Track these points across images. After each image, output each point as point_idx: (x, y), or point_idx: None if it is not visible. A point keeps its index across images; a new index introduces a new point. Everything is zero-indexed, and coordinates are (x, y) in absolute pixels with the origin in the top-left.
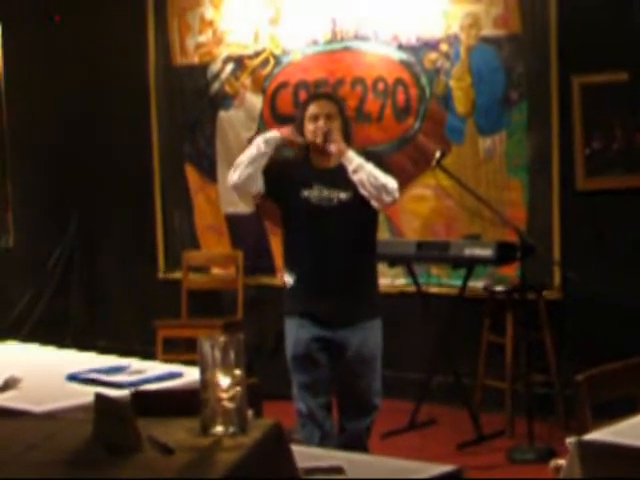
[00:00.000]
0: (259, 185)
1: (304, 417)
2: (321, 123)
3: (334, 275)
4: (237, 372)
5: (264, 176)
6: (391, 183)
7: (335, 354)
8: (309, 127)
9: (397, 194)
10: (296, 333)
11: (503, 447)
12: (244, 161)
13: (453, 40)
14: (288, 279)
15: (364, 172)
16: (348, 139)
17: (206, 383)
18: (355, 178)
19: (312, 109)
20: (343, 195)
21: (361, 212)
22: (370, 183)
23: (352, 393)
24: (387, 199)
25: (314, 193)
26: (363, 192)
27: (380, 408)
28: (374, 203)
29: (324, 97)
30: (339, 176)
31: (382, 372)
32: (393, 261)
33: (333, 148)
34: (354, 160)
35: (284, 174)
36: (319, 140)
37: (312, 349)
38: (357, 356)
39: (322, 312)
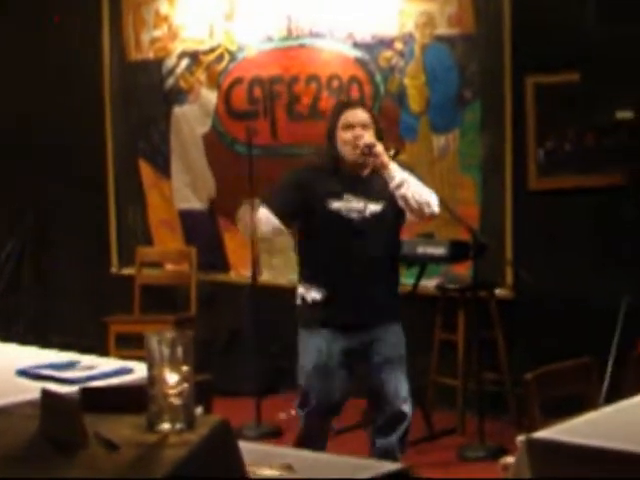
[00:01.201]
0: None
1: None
2: (359, 132)
3: (366, 287)
4: (185, 368)
5: (290, 192)
6: (433, 198)
7: (362, 364)
8: (345, 136)
9: (438, 209)
10: (326, 345)
11: (454, 445)
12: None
13: (407, 38)
14: (314, 294)
15: (409, 187)
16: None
17: (153, 379)
18: (398, 193)
19: (346, 117)
20: (375, 207)
21: (392, 224)
22: (415, 199)
23: (380, 401)
24: (428, 213)
25: (344, 204)
26: (404, 206)
27: (410, 417)
28: (412, 217)
29: (358, 105)
30: (371, 186)
31: None
32: None
33: (377, 162)
34: (397, 174)
35: (310, 187)
36: (358, 152)
37: (341, 361)
38: (386, 360)
39: (353, 322)
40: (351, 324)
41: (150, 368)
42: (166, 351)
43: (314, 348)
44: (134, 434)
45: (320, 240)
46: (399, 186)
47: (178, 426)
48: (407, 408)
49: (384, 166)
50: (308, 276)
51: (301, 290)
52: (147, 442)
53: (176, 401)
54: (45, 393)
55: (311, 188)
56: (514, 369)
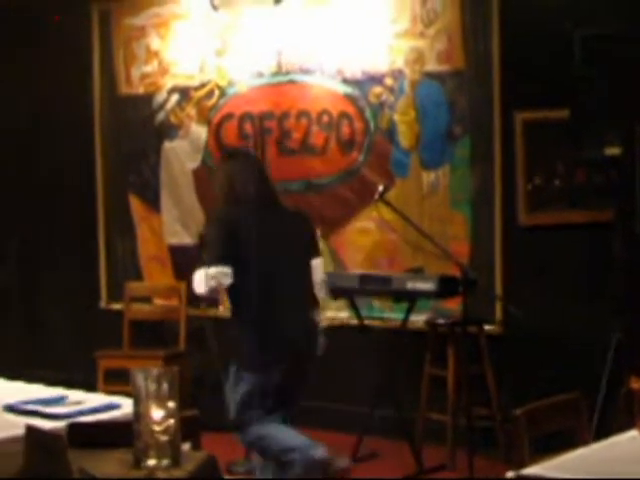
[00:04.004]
0: None
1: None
2: None
3: None
4: (171, 404)
5: None
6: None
7: None
8: None
9: None
10: None
11: None
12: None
13: (398, 74)
14: None
15: None
16: None
17: (139, 415)
18: None
19: None
20: None
21: None
22: None
23: None
24: None
25: None
26: None
27: None
28: None
29: None
30: None
31: (324, 405)
32: (336, 294)
33: None
34: None
35: None
36: None
37: None
38: None
39: None
40: None
41: (136, 404)
42: (152, 387)
43: None
44: (120, 470)
45: None
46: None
47: (165, 462)
48: None
49: None
50: None
51: None
52: (134, 478)
53: (162, 437)
54: (29, 429)
55: None
56: (504, 404)
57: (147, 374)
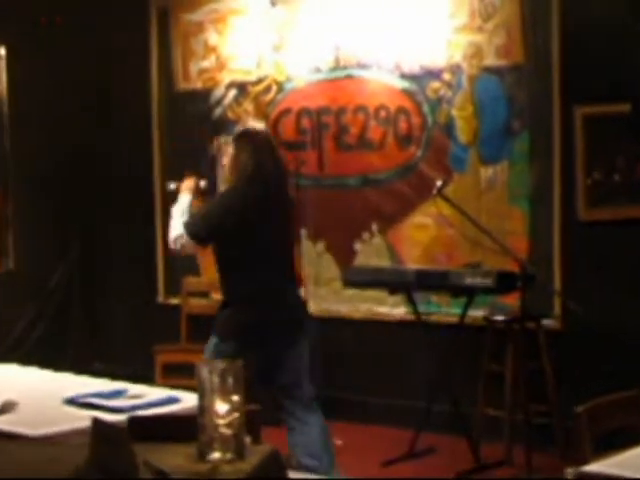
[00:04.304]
0: None
1: None
2: None
3: None
4: (235, 398)
5: None
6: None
7: None
8: None
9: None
10: None
11: (502, 477)
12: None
13: (456, 69)
14: None
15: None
16: None
17: (203, 409)
18: None
19: None
20: None
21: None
22: None
23: None
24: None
25: None
26: None
27: None
28: None
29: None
30: None
31: (381, 400)
32: (393, 289)
33: None
34: None
35: None
36: None
37: None
38: None
39: None
40: None
41: (200, 398)
42: (217, 381)
43: None
44: (184, 464)
45: None
46: None
47: (229, 456)
48: None
49: None
50: None
51: None
52: (198, 472)
53: (226, 431)
54: (95, 422)
55: None
56: (562, 401)
57: (212, 368)
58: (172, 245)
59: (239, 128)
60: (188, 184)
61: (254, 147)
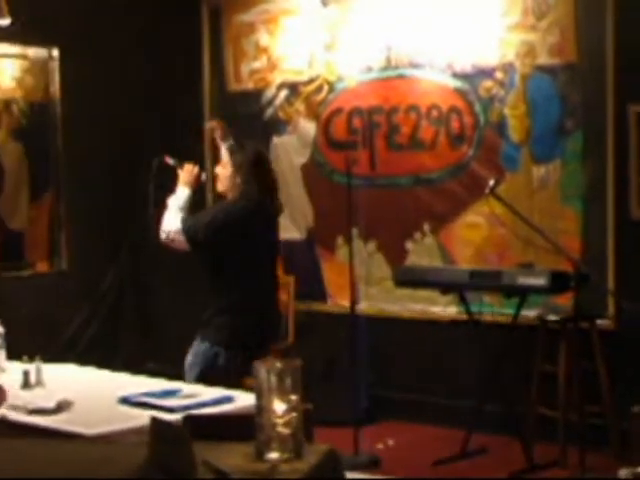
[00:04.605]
0: None
1: None
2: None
3: None
4: (293, 398)
5: None
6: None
7: None
8: None
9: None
10: None
11: (555, 477)
12: None
13: (508, 68)
14: None
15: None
16: None
17: (261, 408)
18: None
19: None
20: None
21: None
22: None
23: None
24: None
25: None
26: None
27: None
28: None
29: None
30: None
31: (433, 399)
32: (445, 289)
33: None
34: None
35: None
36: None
37: None
38: None
39: None
40: None
41: (258, 397)
42: (274, 380)
43: None
44: (243, 463)
45: None
46: None
47: (287, 455)
48: None
49: None
50: None
51: None
52: (257, 471)
53: (284, 430)
54: (154, 421)
55: None
56: (616, 402)
57: (270, 367)
58: (163, 236)
59: (233, 142)
60: (188, 176)
61: (252, 161)
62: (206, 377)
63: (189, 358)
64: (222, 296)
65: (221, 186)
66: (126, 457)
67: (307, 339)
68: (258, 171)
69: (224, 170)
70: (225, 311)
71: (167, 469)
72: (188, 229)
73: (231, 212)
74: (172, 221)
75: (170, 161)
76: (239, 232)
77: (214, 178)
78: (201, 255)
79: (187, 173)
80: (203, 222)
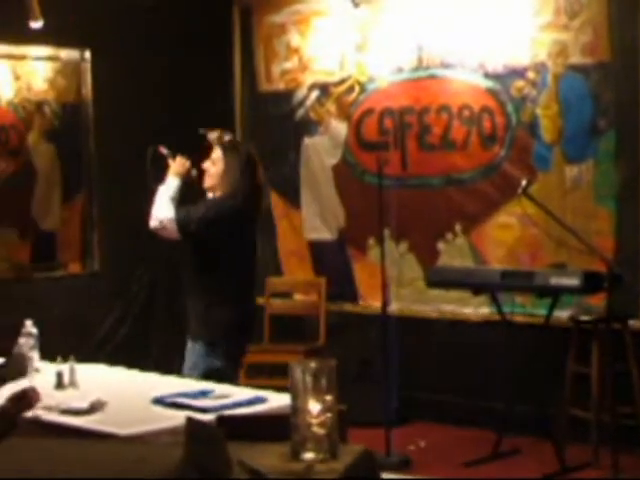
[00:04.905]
0: None
1: None
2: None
3: None
4: (328, 398)
5: None
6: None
7: None
8: None
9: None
10: None
11: (588, 479)
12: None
13: (540, 68)
14: None
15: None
16: None
17: (297, 409)
18: None
19: None
20: None
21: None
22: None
23: None
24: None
25: None
26: None
27: None
28: None
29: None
30: None
31: (465, 401)
32: (477, 289)
33: None
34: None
35: None
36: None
37: None
38: None
39: None
40: None
41: (294, 398)
42: (310, 381)
43: None
44: (278, 463)
45: None
46: None
47: (322, 455)
48: None
49: None
50: None
51: None
52: (293, 471)
53: (320, 430)
54: (190, 421)
55: None
56: None
57: (305, 368)
58: (156, 223)
59: (226, 138)
60: (179, 168)
61: (244, 160)
62: (210, 376)
63: (187, 362)
64: (214, 291)
65: (209, 182)
66: (160, 457)
67: (338, 340)
68: (249, 172)
69: (214, 167)
70: (219, 305)
71: (203, 469)
72: (182, 218)
73: (221, 209)
74: (165, 209)
75: (164, 151)
76: (227, 229)
77: (201, 174)
78: (192, 247)
79: (178, 164)
80: (196, 214)
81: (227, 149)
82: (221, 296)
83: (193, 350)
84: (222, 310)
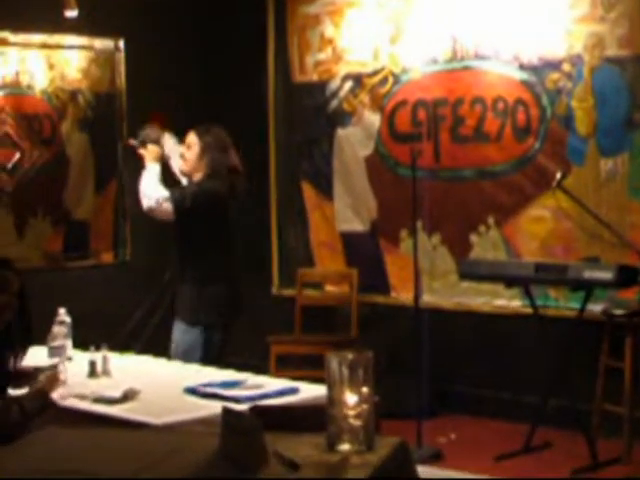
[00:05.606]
0: None
1: None
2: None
3: None
4: (365, 390)
5: None
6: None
7: None
8: None
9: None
10: None
11: (619, 475)
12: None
13: (576, 60)
14: None
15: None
16: None
17: (333, 400)
18: None
19: None
20: None
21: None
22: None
23: None
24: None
25: None
26: None
27: None
28: None
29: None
30: None
31: (497, 394)
32: (510, 282)
33: None
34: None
35: None
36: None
37: None
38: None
39: None
40: None
41: (330, 389)
42: (346, 372)
43: None
44: (314, 454)
45: None
46: None
47: (358, 447)
48: None
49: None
50: None
51: None
52: (329, 462)
53: (356, 422)
54: (226, 411)
55: None
56: None
57: (342, 359)
58: (152, 202)
59: (204, 125)
60: (154, 154)
61: (220, 144)
62: (207, 358)
63: (181, 345)
64: (205, 267)
65: (187, 167)
66: (194, 448)
67: (369, 332)
68: (226, 152)
69: (190, 151)
70: (212, 285)
71: (238, 459)
72: (177, 195)
73: (213, 184)
74: (159, 189)
75: (133, 142)
76: (220, 205)
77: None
78: (179, 229)
79: (151, 152)
80: (189, 190)
81: (201, 132)
82: (213, 275)
83: (189, 331)
84: (216, 289)
